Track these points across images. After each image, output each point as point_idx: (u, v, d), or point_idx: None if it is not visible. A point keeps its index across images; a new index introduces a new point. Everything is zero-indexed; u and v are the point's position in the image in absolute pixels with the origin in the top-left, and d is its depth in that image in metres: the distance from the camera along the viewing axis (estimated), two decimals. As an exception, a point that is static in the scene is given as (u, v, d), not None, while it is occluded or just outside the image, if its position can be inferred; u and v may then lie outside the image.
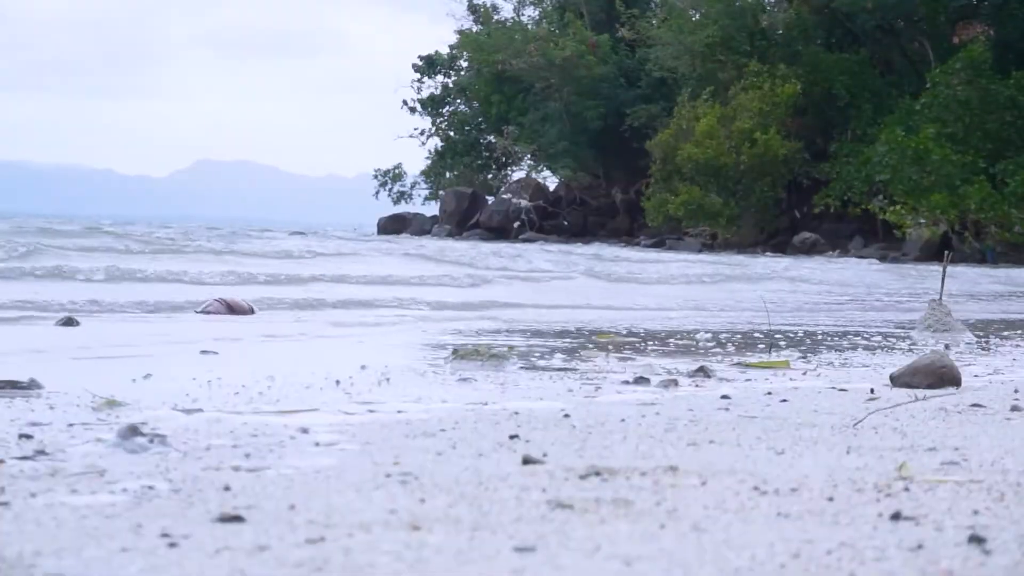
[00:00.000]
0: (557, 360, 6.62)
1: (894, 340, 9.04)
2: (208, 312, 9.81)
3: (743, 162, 45.44)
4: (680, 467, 3.15)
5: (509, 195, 56.88)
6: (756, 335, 9.06)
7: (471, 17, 62.19)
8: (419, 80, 62.96)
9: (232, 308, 9.92)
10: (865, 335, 9.53)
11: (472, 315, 10.96)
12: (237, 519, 2.49)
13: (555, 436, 3.77)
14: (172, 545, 2.29)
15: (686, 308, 13.37)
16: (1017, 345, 8.94)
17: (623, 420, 4.14)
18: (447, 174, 60.84)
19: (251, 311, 9.98)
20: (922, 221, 40.34)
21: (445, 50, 62.57)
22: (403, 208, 62.62)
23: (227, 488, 2.82)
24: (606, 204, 55.54)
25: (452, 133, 61.87)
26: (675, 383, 5.46)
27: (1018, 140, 41.24)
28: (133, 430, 3.48)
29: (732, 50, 48.33)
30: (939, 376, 5.53)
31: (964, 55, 42.08)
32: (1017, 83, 41.47)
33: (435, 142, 62.26)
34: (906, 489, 2.88)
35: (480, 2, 62.27)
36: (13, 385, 4.76)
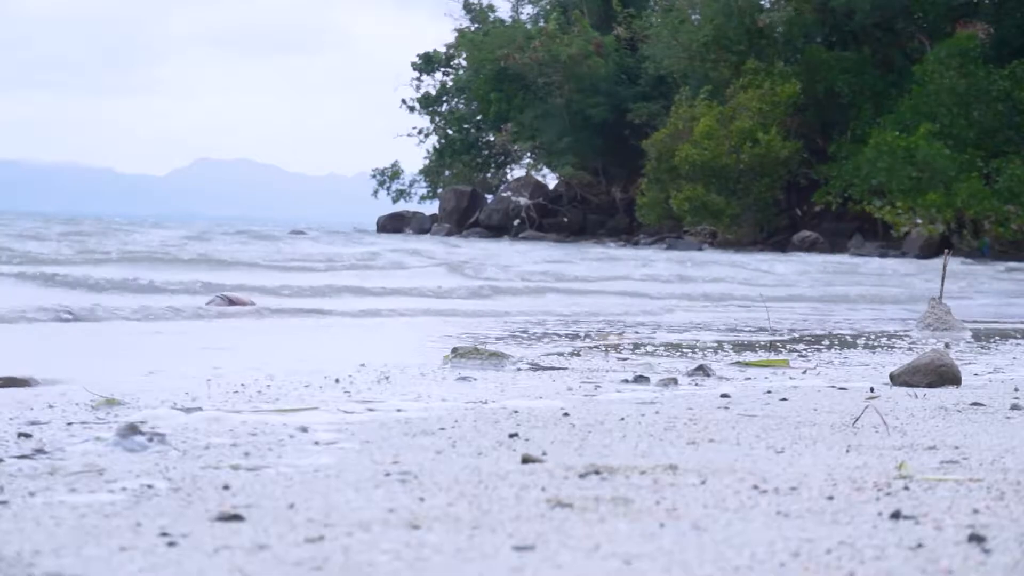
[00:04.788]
0: (557, 359, 6.62)
1: (894, 339, 9.04)
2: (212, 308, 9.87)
3: (743, 161, 45.43)
4: (680, 466, 3.15)
5: (508, 193, 56.87)
6: (756, 334, 9.06)
7: (467, 16, 62.22)
8: (418, 79, 63.01)
9: (233, 303, 9.97)
10: (865, 333, 9.53)
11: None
12: (236, 518, 2.49)
13: (555, 435, 3.77)
14: (171, 544, 2.28)
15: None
16: (1017, 344, 8.94)
17: (623, 419, 4.14)
18: (446, 172, 60.86)
19: (253, 305, 10.03)
20: (919, 221, 40.37)
21: (443, 49, 62.62)
22: (402, 206, 62.65)
23: (226, 487, 2.82)
24: (606, 202, 55.54)
25: (450, 131, 61.89)
26: (675, 382, 5.46)
27: (1013, 135, 41.26)
28: (132, 429, 3.48)
29: (727, 49, 48.34)
30: (939, 375, 5.53)
31: (952, 43, 42.13)
32: (1012, 74, 41.49)
33: (433, 140, 62.32)
34: (906, 488, 2.88)
35: (476, 1, 62.28)
36: (12, 383, 4.76)
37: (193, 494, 2.74)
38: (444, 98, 62.85)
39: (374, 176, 63.91)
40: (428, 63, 62.83)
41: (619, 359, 6.73)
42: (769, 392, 5.15)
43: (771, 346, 7.97)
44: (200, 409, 4.14)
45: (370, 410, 4.32)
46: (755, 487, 2.87)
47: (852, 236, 44.43)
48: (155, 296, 11.15)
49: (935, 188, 39.53)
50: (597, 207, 55.52)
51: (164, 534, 2.36)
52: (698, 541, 2.34)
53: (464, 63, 61.47)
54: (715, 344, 8.00)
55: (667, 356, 7.07)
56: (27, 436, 3.57)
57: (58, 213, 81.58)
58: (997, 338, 9.43)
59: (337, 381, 5.23)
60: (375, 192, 63.73)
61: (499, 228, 54.14)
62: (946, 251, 11.33)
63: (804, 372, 6.27)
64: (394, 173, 63.67)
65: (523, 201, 55.02)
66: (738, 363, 6.66)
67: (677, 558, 2.22)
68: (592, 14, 56.94)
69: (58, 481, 2.89)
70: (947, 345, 8.32)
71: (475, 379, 5.56)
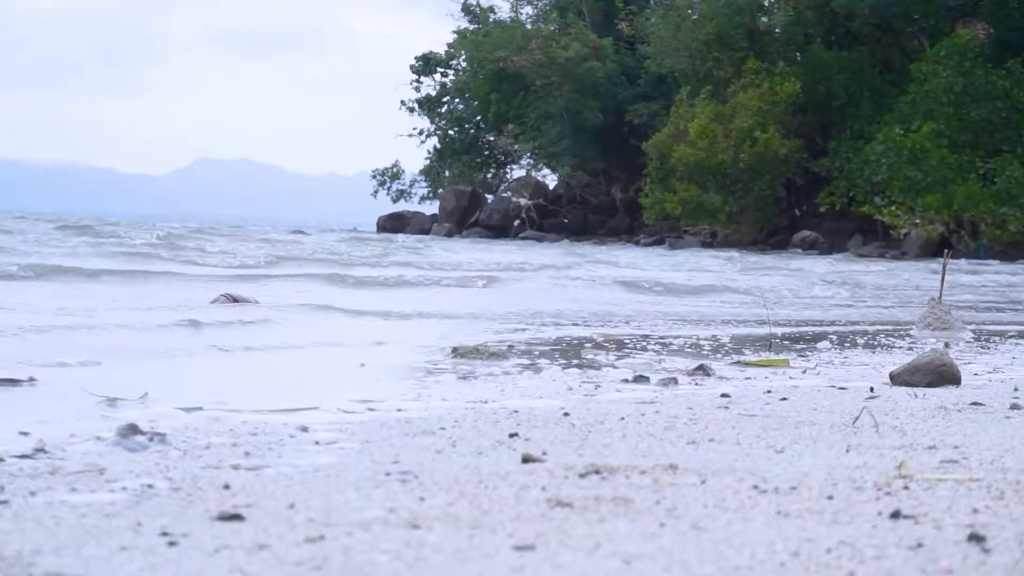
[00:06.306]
0: (557, 358, 6.62)
1: (894, 338, 9.04)
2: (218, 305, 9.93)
3: (743, 160, 45.45)
4: (680, 465, 3.15)
5: (509, 193, 56.87)
6: (756, 333, 9.06)
7: (467, 17, 62.25)
8: (417, 80, 63.02)
9: (236, 301, 10.01)
10: (865, 333, 9.53)
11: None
12: (237, 518, 2.49)
13: (555, 434, 3.77)
14: (172, 544, 2.29)
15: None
16: (1017, 343, 8.94)
17: (623, 418, 4.14)
18: (446, 172, 60.88)
19: (256, 304, 10.07)
20: (917, 221, 40.43)
21: (443, 49, 62.65)
22: (402, 206, 62.67)
23: (227, 487, 2.82)
24: (606, 202, 55.54)
25: (451, 132, 61.91)
26: (675, 381, 5.46)
27: (1012, 134, 41.27)
28: (133, 428, 3.49)
29: (729, 47, 48.39)
30: (939, 374, 5.53)
31: (949, 41, 42.17)
32: (1010, 73, 41.51)
33: (434, 141, 62.34)
34: (906, 487, 2.88)
35: (475, 2, 62.30)
36: (13, 382, 4.76)
37: (193, 494, 2.74)
38: (444, 99, 62.87)
39: (374, 176, 63.93)
40: (427, 65, 62.85)
41: (619, 358, 6.73)
42: (769, 392, 5.15)
43: (771, 346, 7.97)
44: (200, 408, 4.14)
45: (370, 410, 4.32)
46: (755, 487, 2.88)
47: (852, 236, 44.46)
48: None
49: (934, 189, 39.57)
50: (597, 207, 55.52)
51: (164, 534, 2.36)
52: (698, 541, 2.34)
53: (464, 64, 61.49)
54: (715, 343, 8.00)
55: (667, 355, 7.06)
56: (28, 435, 3.57)
57: (59, 213, 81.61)
58: (997, 338, 9.43)
59: (336, 380, 5.22)
60: (375, 192, 63.75)
61: (499, 228, 54.15)
62: (946, 251, 11.33)
63: (804, 372, 6.27)
64: (395, 173, 63.69)
65: (523, 201, 55.02)
66: (738, 363, 6.66)
67: (677, 558, 2.22)
68: (593, 13, 56.95)
69: (58, 480, 2.90)
70: (947, 345, 8.32)
71: (475, 378, 5.56)
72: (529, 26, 58.53)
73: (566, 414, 4.23)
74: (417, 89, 62.96)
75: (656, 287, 15.74)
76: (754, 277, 20.93)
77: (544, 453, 3.36)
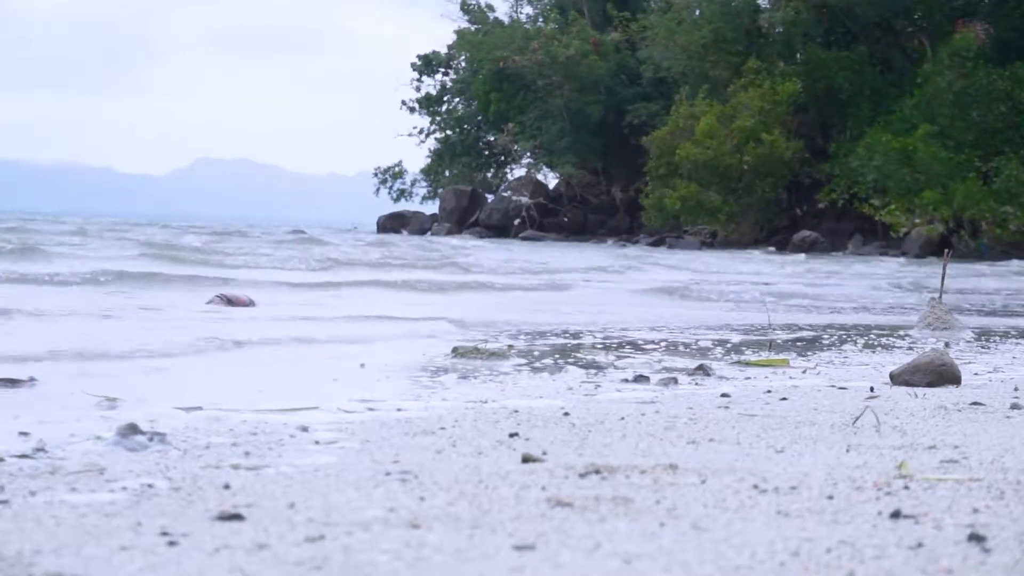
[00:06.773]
0: (557, 358, 6.62)
1: (894, 338, 9.03)
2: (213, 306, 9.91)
3: (747, 161, 45.41)
4: (680, 465, 3.15)
5: (509, 193, 56.85)
6: (756, 333, 9.06)
7: (465, 17, 62.27)
8: (418, 80, 63.04)
9: (232, 303, 9.99)
10: (865, 333, 9.52)
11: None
12: (237, 517, 2.49)
13: (555, 434, 3.77)
14: (172, 543, 2.29)
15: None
16: (1017, 343, 8.94)
17: (623, 418, 4.14)
18: (446, 172, 60.89)
19: (252, 305, 10.06)
20: (917, 221, 40.45)
21: (444, 49, 62.65)
22: (403, 206, 62.67)
23: (227, 486, 2.82)
24: (606, 202, 55.53)
25: (451, 132, 61.92)
26: (675, 381, 5.46)
27: (1013, 135, 41.28)
28: (132, 428, 3.48)
29: (727, 50, 48.37)
30: (939, 374, 5.53)
31: (950, 44, 42.20)
32: (1013, 75, 41.53)
33: (434, 141, 62.36)
34: (906, 487, 2.88)
35: (473, 2, 62.30)
36: (13, 383, 4.76)
37: (193, 493, 2.74)
38: (444, 98, 62.89)
39: (376, 175, 63.95)
40: (427, 65, 62.88)
41: (619, 358, 6.73)
42: (769, 392, 5.15)
43: (771, 345, 7.97)
44: (200, 408, 4.14)
45: (370, 409, 4.32)
46: (755, 487, 2.88)
47: (852, 236, 44.46)
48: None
49: (931, 187, 39.60)
50: (597, 207, 55.52)
51: (164, 533, 2.36)
52: (698, 541, 2.34)
53: (464, 64, 61.49)
54: (715, 343, 7.99)
55: (667, 355, 7.06)
56: (28, 435, 3.57)
57: (58, 213, 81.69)
58: (997, 338, 9.42)
59: (335, 380, 5.22)
60: (377, 190, 63.77)
61: (499, 228, 54.15)
62: (946, 251, 11.31)
63: (804, 371, 6.27)
64: (396, 173, 63.71)
65: (524, 201, 54.99)
66: (738, 362, 6.66)
67: (677, 558, 2.22)
68: (592, 14, 56.97)
69: (58, 480, 2.90)
70: (947, 344, 8.32)
71: (475, 378, 5.56)
72: (529, 26, 58.53)
73: (566, 414, 4.23)
74: (417, 89, 63.00)
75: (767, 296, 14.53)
76: (832, 281, 20.78)
77: (544, 453, 3.37)
